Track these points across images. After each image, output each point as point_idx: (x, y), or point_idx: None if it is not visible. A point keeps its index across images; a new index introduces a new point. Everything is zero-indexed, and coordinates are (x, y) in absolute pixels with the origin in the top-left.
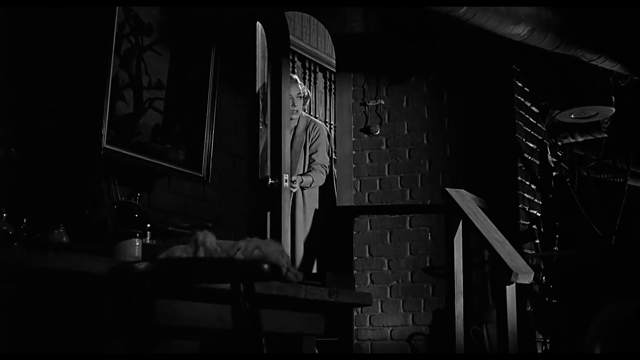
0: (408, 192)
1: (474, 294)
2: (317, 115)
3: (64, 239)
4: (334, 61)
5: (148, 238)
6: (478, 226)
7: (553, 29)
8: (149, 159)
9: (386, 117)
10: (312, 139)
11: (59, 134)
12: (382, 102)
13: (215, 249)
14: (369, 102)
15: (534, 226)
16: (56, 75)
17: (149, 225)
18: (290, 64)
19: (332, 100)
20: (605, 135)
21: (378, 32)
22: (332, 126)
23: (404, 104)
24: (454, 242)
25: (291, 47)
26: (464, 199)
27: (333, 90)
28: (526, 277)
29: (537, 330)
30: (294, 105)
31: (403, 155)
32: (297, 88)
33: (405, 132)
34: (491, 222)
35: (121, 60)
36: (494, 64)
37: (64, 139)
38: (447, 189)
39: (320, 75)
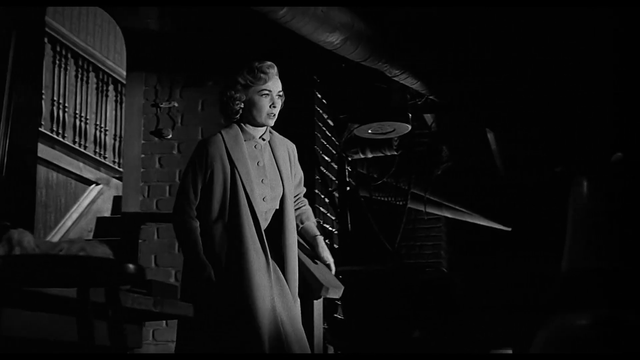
0: None
1: None
2: (107, 129)
3: None
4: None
5: None
6: None
7: (365, 41)
8: None
9: (179, 121)
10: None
11: None
12: (176, 105)
13: (34, 249)
14: (161, 104)
15: (327, 241)
16: None
17: None
18: (80, 71)
19: (124, 114)
20: (395, 153)
21: (174, 31)
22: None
23: (200, 107)
24: None
25: (86, 56)
26: None
27: (124, 103)
28: (336, 291)
29: (331, 345)
30: (274, 106)
31: None
32: (279, 82)
33: (200, 137)
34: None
35: None
36: (297, 73)
37: None
38: None
39: (112, 87)
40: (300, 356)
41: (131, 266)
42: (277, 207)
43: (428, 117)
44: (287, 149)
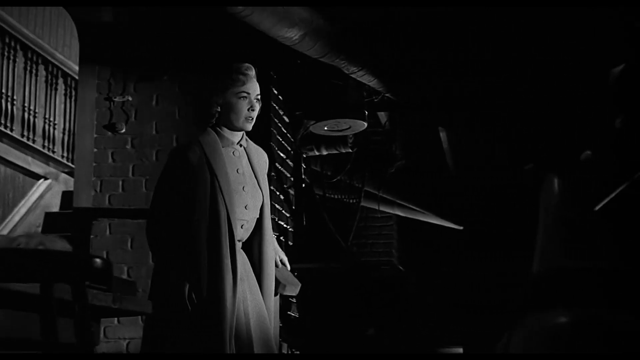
0: None
1: None
2: (56, 123)
3: None
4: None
5: None
6: None
7: (323, 37)
8: None
9: (133, 115)
10: None
11: None
12: (130, 99)
13: None
14: (114, 98)
15: (282, 238)
16: None
17: None
18: (29, 63)
19: (73, 108)
20: (350, 150)
21: (128, 24)
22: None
23: (154, 102)
24: None
25: (35, 48)
26: None
27: (74, 97)
28: (293, 289)
29: (285, 342)
30: (253, 110)
31: (150, 156)
32: (257, 85)
33: (154, 132)
34: None
35: None
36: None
37: None
38: None
39: (61, 80)
40: (269, 356)
41: (98, 261)
42: (258, 216)
43: (382, 115)
44: (262, 156)
